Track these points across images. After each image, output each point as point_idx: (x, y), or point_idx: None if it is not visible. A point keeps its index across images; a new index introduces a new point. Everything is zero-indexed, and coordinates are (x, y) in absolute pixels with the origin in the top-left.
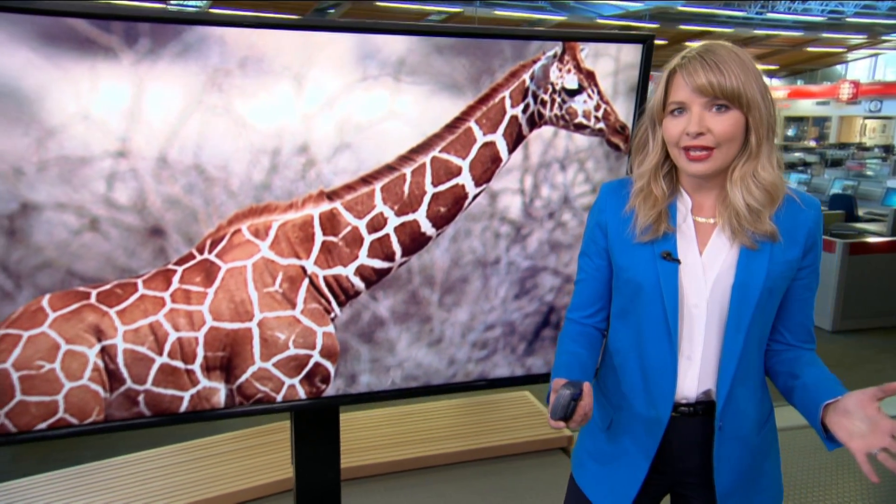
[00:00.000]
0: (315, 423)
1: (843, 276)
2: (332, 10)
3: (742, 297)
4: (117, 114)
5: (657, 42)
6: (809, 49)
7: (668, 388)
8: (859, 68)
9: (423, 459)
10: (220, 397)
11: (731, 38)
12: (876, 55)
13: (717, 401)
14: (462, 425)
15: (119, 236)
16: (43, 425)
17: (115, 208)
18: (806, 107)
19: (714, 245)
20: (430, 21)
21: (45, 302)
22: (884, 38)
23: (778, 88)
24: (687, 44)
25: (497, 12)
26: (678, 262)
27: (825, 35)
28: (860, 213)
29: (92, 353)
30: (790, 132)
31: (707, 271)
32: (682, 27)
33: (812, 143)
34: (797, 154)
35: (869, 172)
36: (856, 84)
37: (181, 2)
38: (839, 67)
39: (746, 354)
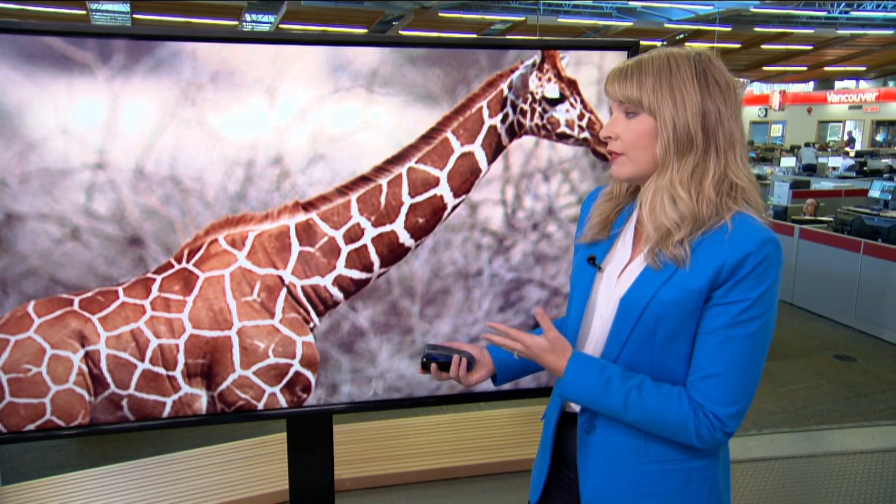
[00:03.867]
0: (309, 433)
1: None
2: (395, 23)
3: (625, 312)
4: (94, 127)
5: (731, 46)
6: None
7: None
8: None
9: (422, 473)
10: (202, 404)
11: (813, 39)
12: None
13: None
14: (460, 440)
15: (99, 245)
16: (31, 426)
17: (94, 218)
18: None
19: (636, 260)
20: (494, 30)
21: (30, 308)
22: None
23: (865, 91)
24: (763, 47)
25: (561, 20)
26: (599, 269)
27: None
28: None
29: (76, 358)
30: (879, 137)
31: (620, 283)
32: (758, 30)
33: None
34: (885, 160)
35: None
36: None
37: (255, 20)
38: None
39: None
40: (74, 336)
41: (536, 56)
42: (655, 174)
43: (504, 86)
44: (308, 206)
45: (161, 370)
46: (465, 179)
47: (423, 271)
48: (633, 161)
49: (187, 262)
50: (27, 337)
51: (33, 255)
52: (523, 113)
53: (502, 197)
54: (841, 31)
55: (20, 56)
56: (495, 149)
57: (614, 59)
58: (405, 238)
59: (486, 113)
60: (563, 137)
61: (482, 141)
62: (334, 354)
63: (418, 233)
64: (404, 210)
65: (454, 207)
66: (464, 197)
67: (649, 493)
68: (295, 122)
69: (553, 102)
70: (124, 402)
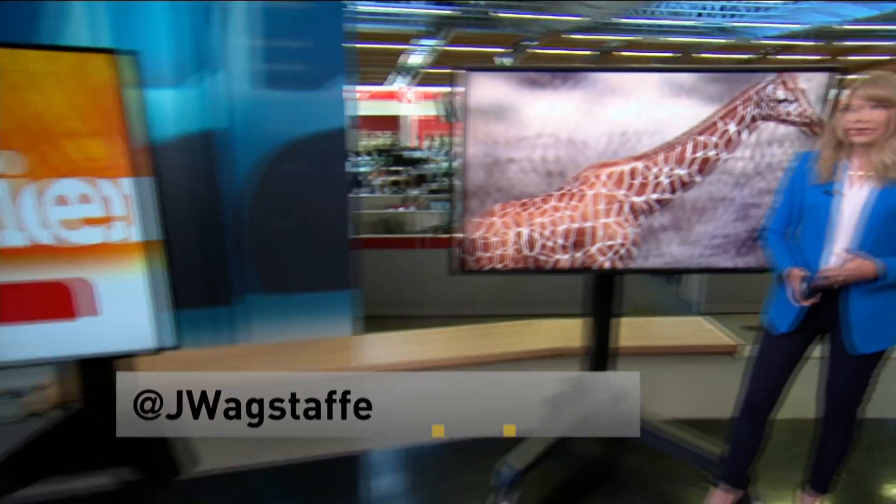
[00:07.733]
0: (601, 288)
1: None
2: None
3: (873, 216)
4: (540, 116)
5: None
6: None
7: (818, 264)
8: None
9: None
10: (569, 262)
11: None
12: None
13: None
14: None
15: (535, 176)
16: (494, 265)
17: (534, 162)
18: None
19: (862, 187)
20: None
21: (496, 206)
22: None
23: None
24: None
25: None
26: (842, 194)
27: None
28: None
29: (512, 233)
30: None
31: (855, 201)
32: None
33: None
34: None
35: None
36: None
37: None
38: None
39: (870, 250)
40: (516, 222)
41: (775, 75)
42: (885, 138)
43: (755, 91)
44: (639, 157)
45: (551, 243)
46: (729, 145)
47: (698, 195)
48: (874, 134)
49: (575, 185)
50: (493, 220)
51: (503, 179)
52: (766, 106)
53: (752, 154)
54: None
55: (515, 82)
56: (747, 127)
57: (821, 78)
58: (694, 176)
59: (741, 107)
60: (790, 123)
61: (738, 122)
62: (646, 237)
63: (701, 174)
64: (691, 160)
65: (722, 161)
66: (727, 155)
67: (884, 308)
68: (642, 113)
69: (787, 102)
70: (531, 260)
